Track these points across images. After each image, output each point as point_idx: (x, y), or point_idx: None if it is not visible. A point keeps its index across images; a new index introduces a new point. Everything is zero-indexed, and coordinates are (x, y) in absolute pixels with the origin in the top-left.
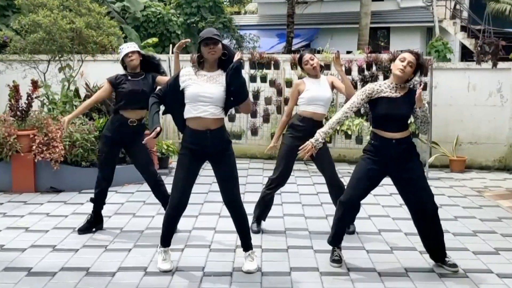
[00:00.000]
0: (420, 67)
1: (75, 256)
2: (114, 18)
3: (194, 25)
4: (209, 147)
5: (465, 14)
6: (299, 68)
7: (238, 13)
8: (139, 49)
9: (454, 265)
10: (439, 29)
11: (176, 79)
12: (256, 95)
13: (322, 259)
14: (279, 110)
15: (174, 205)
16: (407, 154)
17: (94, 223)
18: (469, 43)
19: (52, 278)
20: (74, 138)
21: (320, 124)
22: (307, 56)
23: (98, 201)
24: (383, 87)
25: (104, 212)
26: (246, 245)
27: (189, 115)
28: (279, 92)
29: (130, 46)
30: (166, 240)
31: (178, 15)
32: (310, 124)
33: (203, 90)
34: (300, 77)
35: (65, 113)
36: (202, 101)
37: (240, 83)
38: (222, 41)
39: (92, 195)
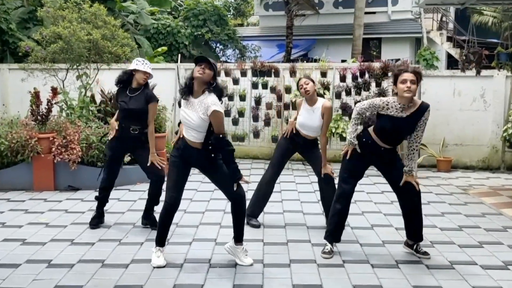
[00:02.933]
0: (419, 76)
1: (92, 249)
2: (129, 30)
3: (201, 36)
4: (195, 161)
5: (450, 25)
6: (297, 75)
7: (241, 25)
8: (151, 72)
9: (426, 253)
10: (427, 39)
11: None
12: (258, 101)
13: (319, 252)
14: (279, 115)
15: (171, 203)
16: (391, 158)
17: (98, 218)
18: (455, 53)
19: (70, 269)
20: (90, 141)
21: (313, 141)
22: (302, 80)
23: (101, 199)
24: (391, 105)
25: (118, 208)
26: (239, 238)
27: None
28: (279, 98)
29: (146, 66)
30: (162, 239)
31: (186, 27)
32: (304, 140)
33: (186, 116)
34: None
35: (82, 118)
36: (187, 125)
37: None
38: (215, 69)
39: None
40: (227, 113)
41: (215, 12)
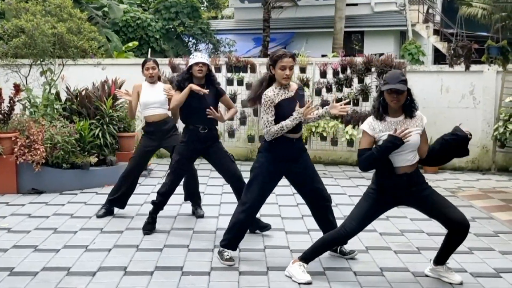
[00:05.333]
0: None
1: (57, 256)
2: (98, 23)
3: (173, 30)
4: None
5: (437, 18)
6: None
7: (215, 18)
8: (209, 63)
9: (352, 252)
10: (412, 32)
11: None
12: (233, 98)
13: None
14: (255, 113)
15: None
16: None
17: (152, 223)
18: (442, 47)
19: (34, 277)
20: (55, 141)
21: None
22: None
23: (158, 204)
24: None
25: (84, 213)
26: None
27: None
28: None
29: (203, 57)
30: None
31: (156, 20)
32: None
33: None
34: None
35: (46, 116)
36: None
37: None
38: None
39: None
40: None
41: (188, 4)
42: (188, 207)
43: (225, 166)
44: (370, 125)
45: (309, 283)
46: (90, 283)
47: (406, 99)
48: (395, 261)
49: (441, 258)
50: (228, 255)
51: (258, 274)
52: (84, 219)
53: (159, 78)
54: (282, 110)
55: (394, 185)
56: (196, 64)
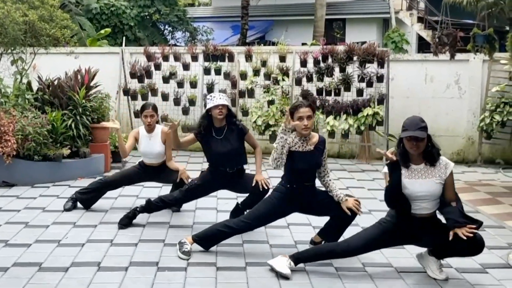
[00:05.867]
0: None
1: (28, 251)
2: (71, 11)
3: (148, 17)
4: None
5: (422, 5)
6: (253, 60)
7: (192, 5)
8: (228, 103)
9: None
10: (395, 20)
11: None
12: (210, 88)
13: (278, 254)
14: (233, 103)
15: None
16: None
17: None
18: (426, 35)
19: (5, 273)
20: (26, 132)
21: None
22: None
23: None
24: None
25: (56, 206)
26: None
27: None
28: (234, 85)
29: (222, 98)
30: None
31: (131, 7)
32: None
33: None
34: (255, 69)
35: (17, 107)
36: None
37: None
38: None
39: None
40: (177, 101)
41: None
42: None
43: (248, 188)
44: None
45: (287, 278)
46: (62, 279)
47: (427, 145)
48: (377, 256)
49: (440, 254)
50: (188, 248)
51: (236, 269)
52: (57, 213)
53: (157, 122)
54: (293, 161)
55: (409, 225)
56: (216, 107)
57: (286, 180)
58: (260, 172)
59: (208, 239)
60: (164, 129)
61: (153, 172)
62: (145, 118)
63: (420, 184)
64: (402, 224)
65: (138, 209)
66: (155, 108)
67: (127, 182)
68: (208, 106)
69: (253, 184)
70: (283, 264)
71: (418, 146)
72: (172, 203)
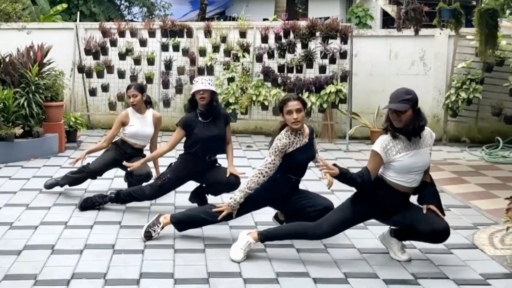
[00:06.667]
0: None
1: None
2: None
3: None
4: None
5: None
6: (213, 36)
7: None
8: (213, 88)
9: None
10: None
11: None
12: (168, 65)
13: (235, 235)
14: (192, 81)
15: None
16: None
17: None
18: (391, 10)
19: None
20: None
21: None
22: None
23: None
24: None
25: (9, 187)
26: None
27: None
28: (193, 62)
29: (204, 82)
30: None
31: None
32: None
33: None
34: (214, 46)
35: None
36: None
37: None
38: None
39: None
40: (133, 78)
41: None
42: (120, 182)
43: (221, 178)
44: (384, 148)
45: (236, 262)
46: (15, 262)
47: (414, 118)
48: (340, 237)
49: (402, 236)
50: (156, 232)
51: (194, 251)
52: (9, 195)
53: (150, 104)
54: (297, 159)
55: (390, 201)
56: (197, 92)
57: (282, 175)
58: (233, 165)
59: (187, 223)
60: (155, 114)
61: (130, 155)
62: (128, 99)
63: (420, 155)
64: (383, 199)
65: (106, 199)
66: (138, 88)
67: (107, 167)
68: (192, 91)
69: (227, 175)
70: (239, 247)
71: (400, 120)
72: (140, 199)
